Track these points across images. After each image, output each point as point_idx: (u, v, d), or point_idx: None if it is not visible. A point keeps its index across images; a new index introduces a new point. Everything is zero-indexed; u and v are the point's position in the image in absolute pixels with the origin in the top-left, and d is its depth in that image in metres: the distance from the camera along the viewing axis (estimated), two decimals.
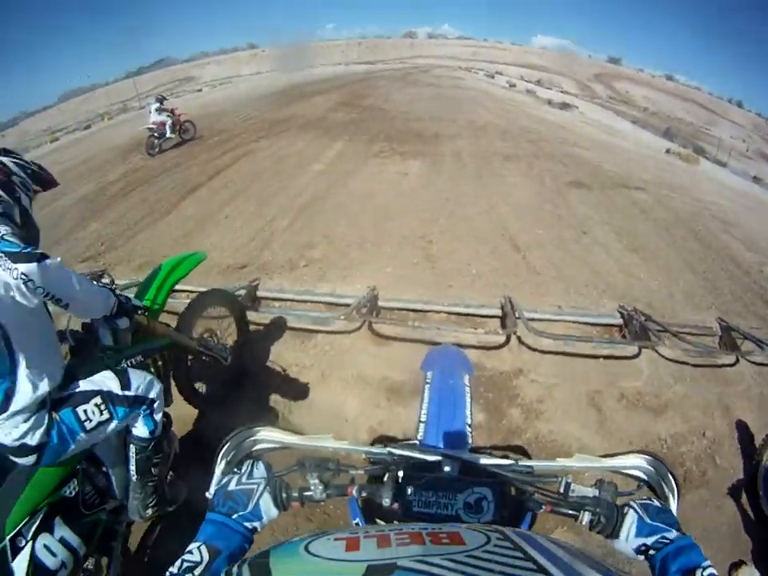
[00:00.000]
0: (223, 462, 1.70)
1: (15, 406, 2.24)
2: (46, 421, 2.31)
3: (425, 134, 13.68)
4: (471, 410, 2.00)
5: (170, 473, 2.87)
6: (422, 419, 1.98)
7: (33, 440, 2.29)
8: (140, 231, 8.94)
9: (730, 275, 6.62)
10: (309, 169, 10.85)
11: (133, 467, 2.64)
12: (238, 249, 7.13)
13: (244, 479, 1.50)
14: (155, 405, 2.63)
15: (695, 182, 13.08)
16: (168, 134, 15.79)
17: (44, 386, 2.28)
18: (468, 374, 2.22)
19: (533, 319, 4.41)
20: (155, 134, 15.64)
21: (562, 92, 44.60)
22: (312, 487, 1.44)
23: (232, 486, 1.46)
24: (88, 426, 2.39)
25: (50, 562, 2.25)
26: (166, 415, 2.78)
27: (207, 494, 1.51)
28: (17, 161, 2.50)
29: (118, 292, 2.84)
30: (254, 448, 1.80)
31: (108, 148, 19.92)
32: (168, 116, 15.97)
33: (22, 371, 2.24)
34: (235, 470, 1.59)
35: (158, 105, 16.07)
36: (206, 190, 10.64)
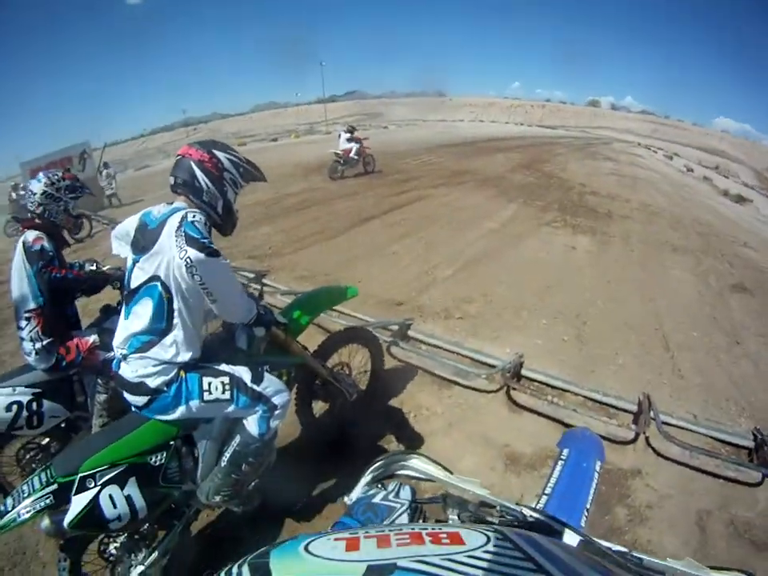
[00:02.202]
0: (370, 476, 1.80)
1: (153, 353, 2.51)
2: (172, 373, 2.53)
3: (598, 210, 13.38)
4: (594, 496, 1.96)
5: (256, 480, 2.91)
6: (546, 492, 1.95)
7: (152, 383, 2.50)
8: (308, 246, 9.36)
9: None
10: (481, 225, 10.91)
11: (227, 455, 2.71)
12: (398, 286, 7.28)
13: (390, 497, 1.57)
14: (276, 411, 2.71)
15: None
16: (352, 157, 16.34)
17: (184, 355, 2.55)
18: (600, 461, 2.19)
19: (666, 423, 4.22)
20: (340, 160, 16.27)
21: (738, 182, 42.30)
22: (450, 521, 1.45)
23: (377, 500, 1.53)
24: (206, 396, 2.55)
25: (107, 510, 2.37)
26: (277, 427, 2.83)
27: (346, 499, 1.64)
28: (231, 157, 2.74)
29: (263, 303, 2.97)
30: (402, 471, 1.86)
31: (292, 163, 20.91)
32: (356, 144, 16.51)
33: (173, 334, 2.52)
34: (379, 485, 1.69)
35: (348, 135, 16.66)
36: (378, 223, 10.93)
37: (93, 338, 3.67)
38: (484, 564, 1.04)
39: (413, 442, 4.17)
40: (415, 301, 6.83)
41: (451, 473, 1.88)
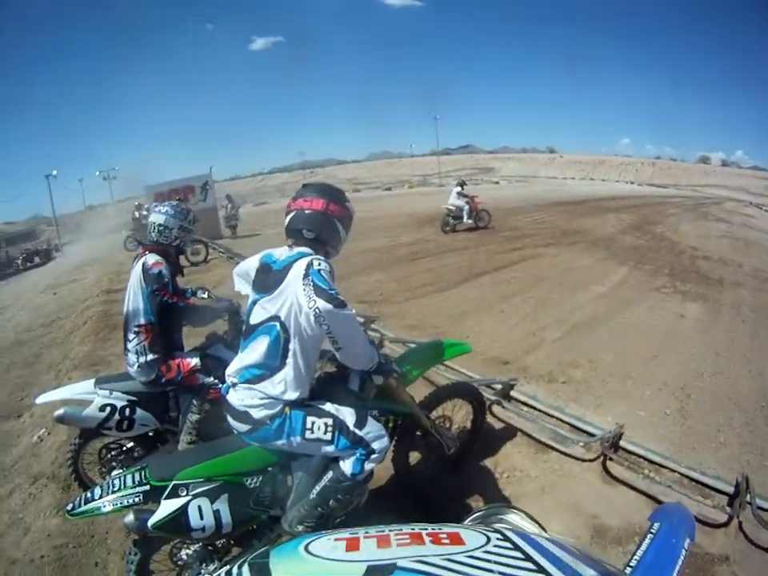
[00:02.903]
0: (469, 524, 1.81)
1: (261, 387, 2.65)
2: (277, 408, 2.64)
3: (709, 276, 12.88)
4: (678, 574, 1.89)
5: (343, 517, 2.92)
6: (631, 564, 1.90)
7: (256, 414, 2.63)
8: (418, 296, 9.58)
9: None
10: (590, 288, 10.79)
11: (318, 488, 2.75)
12: (505, 345, 7.34)
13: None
14: (373, 455, 2.75)
15: None
16: (465, 219, 16.53)
17: (291, 394, 2.68)
18: (690, 539, 2.12)
19: (763, 508, 3.96)
20: (452, 215, 16.47)
21: None
22: None
23: None
24: (308, 435, 2.65)
25: (193, 520, 2.48)
26: (372, 470, 2.87)
27: None
28: (351, 205, 2.99)
29: (382, 351, 3.09)
30: (499, 525, 1.82)
31: (405, 213, 21.29)
32: (467, 202, 16.71)
33: (284, 371, 2.66)
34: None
35: (459, 189, 16.89)
36: (488, 279, 11.06)
37: (195, 361, 3.97)
38: (484, 564, 1.11)
39: (500, 501, 4.13)
40: (521, 361, 6.85)
41: (545, 531, 1.92)
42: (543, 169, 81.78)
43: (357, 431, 2.73)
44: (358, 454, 2.73)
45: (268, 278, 2.73)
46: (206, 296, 4.47)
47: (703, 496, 4.26)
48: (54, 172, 43.38)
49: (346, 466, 2.74)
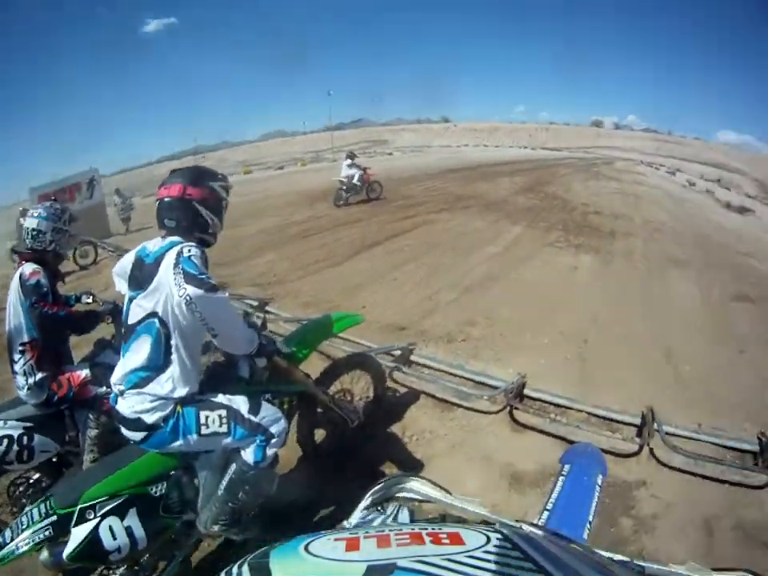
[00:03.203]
0: (369, 500, 1.79)
1: (150, 389, 2.50)
2: (168, 409, 2.51)
3: (600, 229, 13.47)
4: (595, 510, 1.97)
5: (256, 509, 2.87)
6: (548, 507, 1.97)
7: (149, 419, 2.49)
8: (312, 273, 9.41)
9: None
10: (484, 249, 10.95)
11: (224, 483, 2.68)
12: (401, 311, 7.28)
13: (389, 521, 1.57)
14: (273, 440, 2.69)
15: None
16: (356, 183, 16.45)
17: (180, 391, 2.54)
18: (602, 474, 2.20)
19: (670, 433, 4.22)
20: (344, 187, 16.43)
21: (740, 194, 42.14)
22: None
23: (376, 524, 1.52)
24: (204, 430, 2.55)
25: (107, 541, 2.34)
26: (275, 455, 2.82)
27: (345, 523, 1.61)
28: (222, 184, 2.79)
29: (265, 333, 3.00)
30: (401, 494, 1.84)
31: (297, 191, 21.10)
32: (358, 170, 16.65)
33: (170, 369, 2.52)
34: (379, 509, 1.70)
35: (349, 161, 16.84)
36: (381, 249, 10.99)
37: (85, 373, 3.67)
38: (484, 564, 1.04)
39: (415, 465, 4.14)
40: (418, 326, 6.82)
41: (450, 493, 1.88)
42: (438, 138, 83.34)
43: (252, 418, 2.65)
44: (257, 441, 2.67)
45: (142, 274, 2.57)
46: (90, 300, 4.09)
47: (612, 431, 4.42)
48: None
49: (248, 455, 2.67)
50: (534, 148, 67.32)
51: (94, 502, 2.36)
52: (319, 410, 3.72)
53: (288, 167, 46.35)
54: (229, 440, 2.62)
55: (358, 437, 4.18)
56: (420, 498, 1.86)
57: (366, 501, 1.79)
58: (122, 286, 2.81)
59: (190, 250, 2.42)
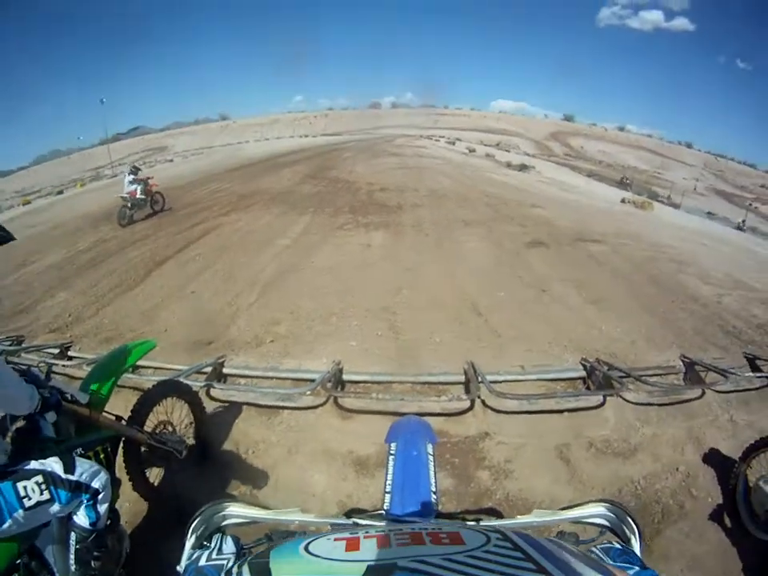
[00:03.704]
0: (193, 537, 1.66)
1: None
2: None
3: (388, 205, 13.89)
4: (436, 478, 1.96)
5: (121, 571, 2.69)
6: (387, 490, 1.95)
7: None
8: (108, 303, 8.84)
9: (690, 312, 6.76)
10: (275, 243, 10.89)
11: (72, 556, 2.52)
12: (204, 324, 7.02)
13: (214, 554, 1.49)
14: (99, 496, 2.54)
15: (650, 228, 13.35)
16: (139, 198, 15.82)
17: None
18: (431, 442, 2.21)
19: (496, 381, 4.38)
20: (128, 204, 15.65)
21: (519, 153, 45.60)
22: None
23: (202, 562, 1.44)
24: (27, 503, 2.29)
25: None
26: (113, 510, 2.67)
27: (178, 568, 1.47)
28: None
29: (52, 383, 2.75)
30: (224, 523, 1.76)
31: (79, 215, 19.93)
32: (141, 184, 16.01)
33: None
34: (205, 543, 1.59)
35: (132, 176, 16.10)
36: (173, 263, 10.59)
37: None
38: (484, 564, 1.01)
39: (258, 479, 4.05)
40: (224, 336, 6.62)
41: (269, 509, 1.80)
42: (218, 137, 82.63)
43: (70, 477, 2.45)
44: (85, 501, 2.51)
45: None
46: None
47: (439, 394, 4.51)
48: None
49: (81, 518, 2.53)
50: (315, 136, 68.82)
51: None
52: (143, 449, 3.50)
53: (68, 190, 44.21)
54: (56, 507, 2.38)
55: (194, 464, 4.00)
56: (244, 521, 1.78)
57: (191, 540, 1.65)
58: None
59: None
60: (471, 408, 4.35)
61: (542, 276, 7.55)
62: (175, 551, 1.53)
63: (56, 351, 6.33)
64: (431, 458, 2.09)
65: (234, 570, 1.10)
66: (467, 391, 4.42)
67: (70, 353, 6.39)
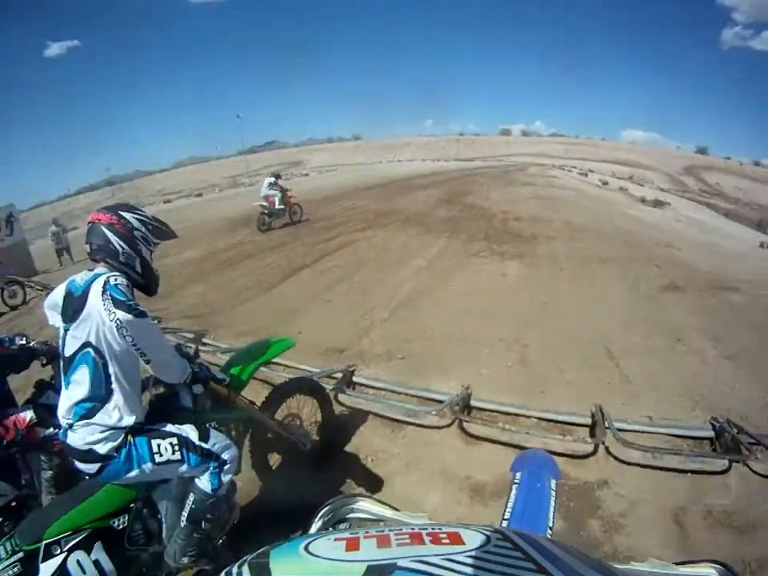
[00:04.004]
0: (320, 522, 1.78)
1: (98, 419, 2.51)
2: (120, 438, 2.53)
3: (522, 235, 13.69)
4: (554, 515, 1.96)
5: (224, 537, 2.90)
6: (506, 517, 1.96)
7: (101, 449, 2.50)
8: (244, 301, 9.31)
9: None
10: (411, 263, 10.98)
11: (185, 514, 2.70)
12: (337, 333, 7.21)
13: None
14: (226, 466, 2.74)
15: None
16: (277, 206, 16.29)
17: (128, 419, 2.56)
18: (555, 478, 2.19)
19: (622, 429, 4.26)
20: (266, 211, 16.19)
21: (653, 188, 43.98)
22: None
23: None
24: (157, 459, 2.56)
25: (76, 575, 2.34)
26: (232, 482, 2.85)
27: None
28: (139, 217, 2.77)
29: (199, 361, 3.01)
30: (350, 515, 1.86)
31: (218, 218, 20.89)
32: (279, 193, 16.50)
33: (114, 399, 2.53)
34: (330, 529, 1.70)
35: (272, 179, 16.65)
36: (310, 272, 10.93)
37: (30, 415, 3.54)
38: (484, 564, 1.03)
39: (374, 486, 4.13)
40: (356, 346, 6.78)
41: (398, 510, 1.89)
42: (351, 156, 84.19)
43: (203, 445, 2.70)
44: (211, 468, 2.72)
45: (72, 305, 2.57)
46: (24, 342, 3.93)
47: (564, 433, 4.44)
48: None
49: (204, 483, 2.71)
50: (447, 160, 68.93)
51: (59, 537, 2.34)
52: (269, 436, 3.72)
53: (206, 194, 46.11)
54: (184, 468, 2.64)
55: (314, 461, 4.15)
56: (370, 517, 1.87)
57: (317, 524, 1.78)
58: (54, 319, 2.80)
59: (116, 279, 2.46)
60: (594, 453, 4.26)
61: (678, 323, 7.24)
62: (272, 534, 1.63)
63: (191, 336, 6.78)
64: (553, 493, 2.08)
65: (234, 570, 1.11)
66: (592, 435, 4.33)
67: (204, 339, 6.80)
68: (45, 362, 3.89)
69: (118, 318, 2.33)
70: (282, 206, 16.75)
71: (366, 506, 1.90)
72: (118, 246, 2.66)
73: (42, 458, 3.54)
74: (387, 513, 1.86)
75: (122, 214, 2.71)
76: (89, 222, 2.67)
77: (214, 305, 9.32)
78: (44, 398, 3.77)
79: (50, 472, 3.52)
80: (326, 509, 1.85)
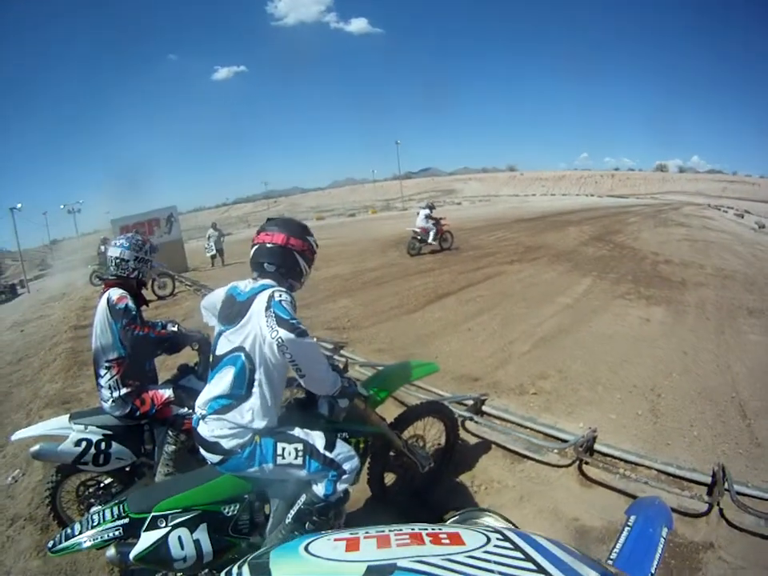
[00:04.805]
0: None
1: (230, 417, 2.67)
2: (246, 437, 2.67)
3: (671, 279, 13.18)
4: (659, 563, 1.95)
5: None
6: (612, 556, 1.95)
7: (227, 444, 2.65)
8: (386, 320, 9.57)
9: None
10: (555, 300, 10.88)
11: (293, 512, 2.78)
12: (474, 362, 7.33)
13: None
14: (344, 476, 2.79)
15: None
16: (430, 241, 16.57)
17: (259, 423, 2.69)
18: (668, 527, 2.17)
19: (742, 493, 4.05)
20: (418, 237, 16.50)
21: None
22: None
23: None
24: (279, 461, 2.68)
25: (174, 550, 2.48)
26: (346, 491, 2.88)
27: None
28: (314, 240, 3.07)
29: (347, 375, 3.13)
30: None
31: (369, 238, 21.32)
32: (434, 224, 16.75)
33: (251, 401, 2.68)
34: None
35: (428, 211, 16.97)
36: (454, 299, 11.07)
37: (168, 393, 3.93)
38: (484, 564, 1.08)
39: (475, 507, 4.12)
40: (491, 377, 6.85)
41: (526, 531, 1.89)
42: (504, 187, 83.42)
43: (327, 453, 2.76)
44: (329, 476, 2.76)
45: (233, 310, 2.76)
46: (176, 329, 4.35)
47: (681, 489, 4.29)
48: (19, 205, 40.79)
49: (319, 488, 2.76)
50: (601, 196, 66.70)
51: (168, 512, 2.50)
52: (392, 453, 3.80)
53: (359, 214, 47.01)
54: (303, 472, 2.73)
55: (427, 482, 4.25)
56: None
57: None
58: (209, 319, 3.12)
59: (281, 295, 2.60)
60: (707, 513, 4.08)
61: None
62: None
63: (330, 347, 6.93)
64: (663, 541, 2.05)
65: (235, 570, 1.16)
66: (709, 494, 4.14)
67: (342, 351, 6.96)
68: (196, 347, 4.24)
69: (280, 337, 2.45)
70: (434, 240, 17.02)
71: (491, 522, 1.93)
72: (304, 269, 2.97)
73: (170, 433, 3.86)
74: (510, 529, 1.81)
75: (308, 239, 2.98)
76: (274, 243, 2.85)
77: (355, 319, 9.64)
78: (184, 380, 4.15)
79: (173, 447, 3.84)
80: (455, 517, 1.92)
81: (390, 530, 1.28)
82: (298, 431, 2.81)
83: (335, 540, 1.24)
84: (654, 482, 4.34)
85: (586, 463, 4.67)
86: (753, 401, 6.12)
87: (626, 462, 4.71)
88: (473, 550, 1.14)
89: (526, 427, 5.33)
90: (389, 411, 4.15)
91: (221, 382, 2.71)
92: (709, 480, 4.29)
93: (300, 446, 2.74)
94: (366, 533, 1.28)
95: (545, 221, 30.20)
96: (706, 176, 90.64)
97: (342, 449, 2.84)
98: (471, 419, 5.31)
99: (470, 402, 5.59)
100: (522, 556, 1.14)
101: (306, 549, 1.19)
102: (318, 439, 2.79)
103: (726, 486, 4.07)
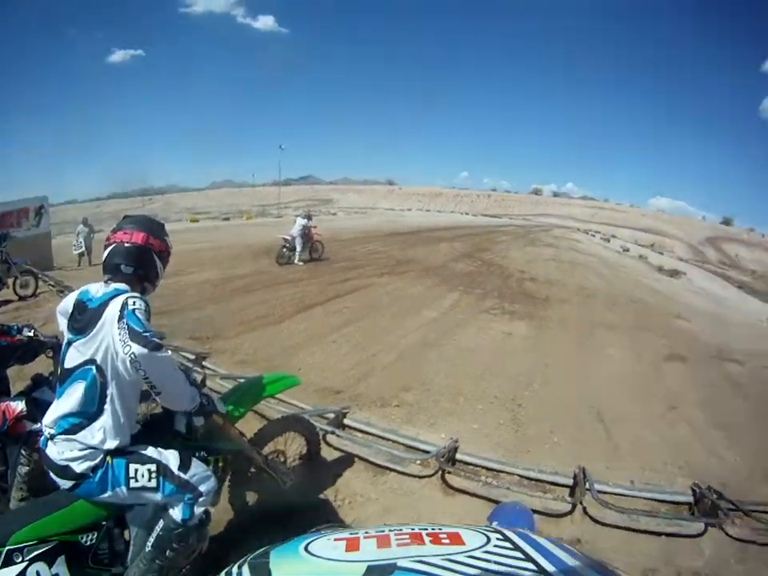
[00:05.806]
0: None
1: (80, 437, 2.43)
2: (98, 459, 2.44)
3: (536, 296, 13.83)
4: None
5: (187, 566, 2.77)
6: None
7: (78, 467, 2.41)
8: (251, 330, 9.29)
9: None
10: (421, 313, 11.04)
11: (152, 539, 2.58)
12: (337, 374, 7.21)
13: None
14: (201, 498, 2.62)
15: None
16: (298, 249, 16.47)
17: (111, 443, 2.47)
18: (530, 530, 2.02)
19: (603, 492, 4.28)
20: (287, 245, 16.35)
21: (672, 257, 44.14)
22: None
23: None
24: (132, 484, 2.47)
25: None
26: (206, 513, 2.75)
27: None
28: (170, 241, 2.85)
29: (204, 391, 2.90)
30: None
31: (242, 244, 21.07)
32: (305, 233, 16.70)
33: (102, 419, 2.45)
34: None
35: (305, 221, 16.94)
36: (321, 310, 10.96)
37: (20, 407, 3.45)
38: (484, 564, 1.05)
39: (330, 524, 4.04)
40: (353, 389, 6.78)
41: None
42: (382, 200, 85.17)
43: (181, 475, 2.59)
44: (185, 499, 2.59)
45: (83, 318, 2.52)
46: (31, 334, 3.91)
47: (544, 492, 4.45)
48: None
49: (176, 512, 2.59)
50: (475, 214, 69.63)
51: (23, 545, 2.23)
52: (252, 470, 3.65)
53: (234, 219, 46.64)
54: (158, 496, 2.54)
55: (290, 499, 4.04)
56: None
57: None
58: (63, 327, 2.76)
59: (135, 302, 2.39)
60: (571, 512, 4.26)
61: (675, 392, 7.29)
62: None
63: (192, 357, 6.68)
64: None
65: (234, 570, 1.13)
66: (571, 494, 4.35)
67: (204, 363, 6.68)
68: (50, 354, 3.84)
69: (132, 352, 2.27)
70: (304, 250, 16.94)
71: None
72: (161, 270, 2.76)
73: (23, 452, 3.40)
74: None
75: (167, 239, 2.80)
76: (133, 243, 2.64)
77: (220, 328, 9.34)
78: (38, 392, 3.65)
79: (27, 468, 3.38)
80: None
81: (390, 530, 1.27)
82: (151, 450, 2.61)
83: (335, 540, 1.24)
84: (516, 487, 4.44)
85: (449, 473, 4.68)
86: (610, 408, 6.47)
87: (488, 469, 4.78)
88: (473, 549, 1.13)
89: (388, 439, 5.29)
90: (249, 425, 3.98)
91: (70, 399, 2.47)
92: (570, 482, 4.47)
93: (153, 467, 2.54)
94: (366, 533, 1.28)
95: (418, 236, 31.05)
96: (579, 201, 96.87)
97: (197, 469, 2.67)
98: (333, 433, 5.20)
99: (332, 416, 5.52)
100: (522, 556, 1.12)
101: (306, 549, 1.18)
102: (171, 459, 2.61)
103: (588, 485, 4.27)
